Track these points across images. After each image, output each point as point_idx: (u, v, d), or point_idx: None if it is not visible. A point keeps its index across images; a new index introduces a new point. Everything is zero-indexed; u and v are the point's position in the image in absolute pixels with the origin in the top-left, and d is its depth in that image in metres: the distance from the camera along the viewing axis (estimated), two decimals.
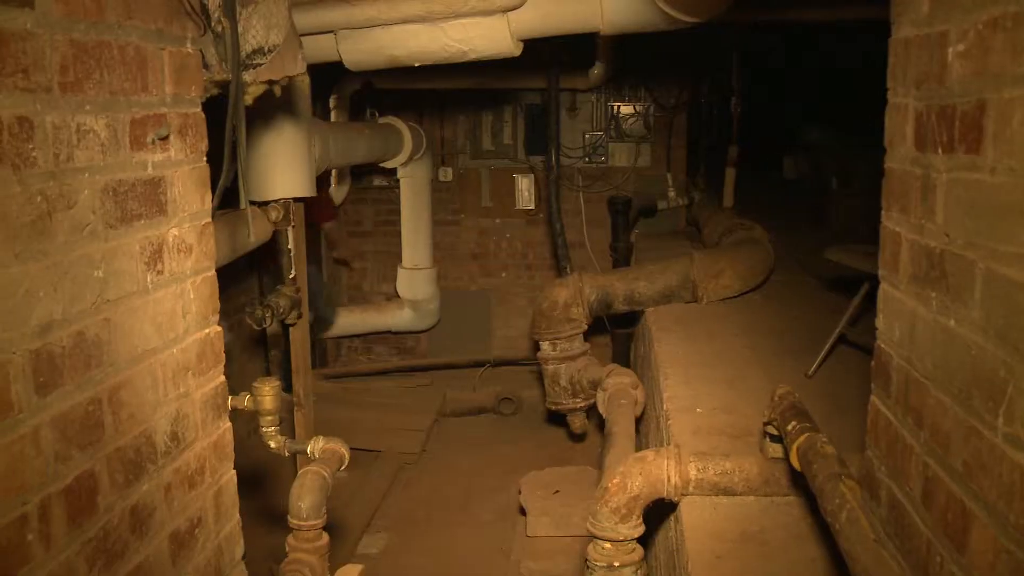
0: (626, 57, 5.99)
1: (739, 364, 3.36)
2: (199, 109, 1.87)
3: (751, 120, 7.10)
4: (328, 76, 5.73)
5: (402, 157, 6.02)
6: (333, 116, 6.24)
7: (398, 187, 6.54)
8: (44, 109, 1.35)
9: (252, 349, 5.62)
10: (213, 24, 1.90)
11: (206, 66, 1.92)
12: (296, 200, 3.80)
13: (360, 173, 6.94)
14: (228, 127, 1.90)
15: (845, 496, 1.63)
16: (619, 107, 6.84)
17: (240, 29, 1.97)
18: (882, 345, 1.70)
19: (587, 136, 6.90)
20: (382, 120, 6.01)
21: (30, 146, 1.32)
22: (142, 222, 1.64)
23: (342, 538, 4.10)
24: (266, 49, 2.10)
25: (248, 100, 2.09)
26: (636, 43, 4.10)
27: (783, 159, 9.20)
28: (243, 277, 5.40)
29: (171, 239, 1.75)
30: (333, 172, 6.29)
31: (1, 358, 1.27)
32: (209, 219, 1.91)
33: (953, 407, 1.35)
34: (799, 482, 2.10)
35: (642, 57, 6.10)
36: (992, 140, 1.23)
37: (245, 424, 2.04)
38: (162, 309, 1.72)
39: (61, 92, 1.39)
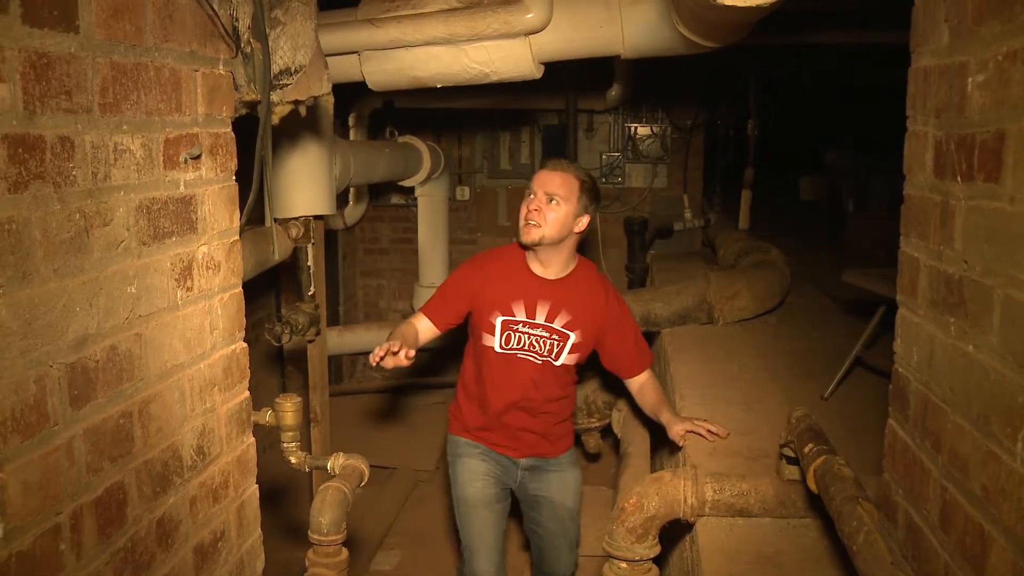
0: (643, 78, 6.03)
1: (755, 385, 3.37)
2: (229, 129, 1.91)
3: (768, 141, 7.12)
4: (348, 94, 5.79)
5: (420, 176, 6.06)
6: (352, 134, 6.29)
7: (415, 205, 6.58)
8: (84, 129, 1.39)
9: (269, 365, 5.67)
10: (243, 45, 1.95)
11: (236, 86, 1.96)
12: (316, 217, 3.84)
13: (378, 191, 6.99)
14: (258, 147, 1.94)
15: (862, 519, 1.64)
16: (636, 128, 6.88)
17: (268, 49, 2.01)
18: (900, 369, 1.72)
19: (604, 157, 6.94)
20: (401, 139, 6.06)
21: (70, 165, 1.36)
22: (173, 239, 1.68)
23: (357, 554, 4.11)
24: (293, 70, 2.13)
25: (275, 120, 2.13)
26: (653, 65, 4.13)
27: (800, 180, 9.23)
28: (261, 293, 5.45)
29: (201, 256, 1.78)
30: (351, 190, 6.34)
31: (39, 371, 1.30)
32: (237, 237, 1.95)
33: (971, 431, 1.37)
34: (816, 504, 2.11)
35: (659, 78, 6.14)
36: (1011, 170, 1.25)
37: (261, 439, 2.07)
38: (191, 325, 1.75)
39: (100, 113, 1.43)
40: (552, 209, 2.76)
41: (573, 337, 2.90)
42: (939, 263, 1.52)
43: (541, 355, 2.92)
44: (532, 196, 2.81)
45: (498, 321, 2.89)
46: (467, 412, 3.08)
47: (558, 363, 2.93)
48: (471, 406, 3.07)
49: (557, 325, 2.89)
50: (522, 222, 2.82)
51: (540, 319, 2.88)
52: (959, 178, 1.43)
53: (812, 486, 1.97)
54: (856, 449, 2.53)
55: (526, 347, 2.91)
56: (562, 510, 3.14)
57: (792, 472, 2.28)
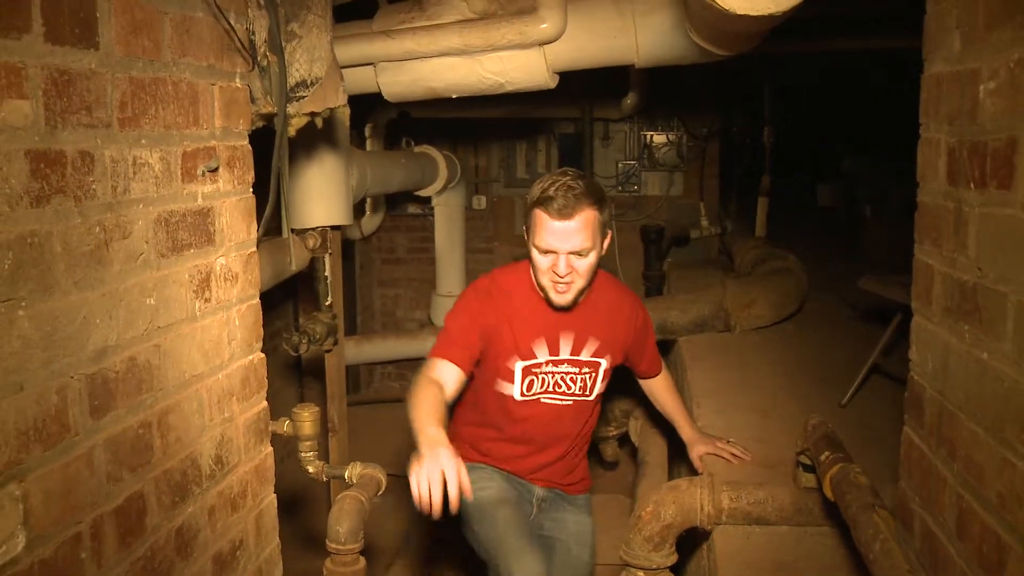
0: (659, 87, 6.03)
1: (772, 393, 3.36)
2: (246, 142, 1.94)
3: (784, 148, 7.10)
4: (364, 105, 5.83)
5: (437, 185, 6.09)
6: (369, 144, 6.33)
7: (432, 215, 6.61)
8: (104, 143, 1.41)
9: (287, 374, 5.69)
10: (259, 59, 1.97)
11: (252, 99, 1.98)
12: (333, 228, 3.87)
13: (395, 201, 7.02)
14: (275, 158, 1.96)
15: (879, 527, 1.64)
16: (652, 136, 6.88)
17: (284, 63, 2.03)
18: (915, 377, 1.71)
19: (620, 165, 6.94)
20: (417, 149, 6.09)
21: (90, 179, 1.38)
22: (192, 251, 1.70)
23: (373, 563, 4.12)
24: (309, 82, 2.16)
25: (291, 132, 2.15)
26: (668, 73, 4.14)
27: (817, 186, 9.19)
28: (279, 303, 5.48)
29: (218, 268, 1.80)
30: (368, 200, 6.37)
31: (60, 382, 1.32)
32: (254, 248, 1.97)
33: (986, 439, 1.36)
34: (832, 512, 2.10)
35: (674, 86, 6.14)
36: (1023, 176, 1.25)
37: (279, 449, 2.10)
38: (209, 336, 1.77)
39: (120, 127, 1.46)
40: (581, 263, 2.34)
41: (604, 363, 2.56)
42: (953, 270, 1.52)
43: (570, 394, 2.56)
44: (552, 256, 2.32)
45: (518, 367, 2.48)
46: (473, 449, 2.63)
47: (592, 396, 2.60)
48: (478, 445, 2.65)
49: (585, 356, 2.53)
50: (546, 283, 2.38)
51: (565, 354, 2.51)
52: (972, 185, 1.43)
53: (828, 494, 1.97)
54: (875, 456, 2.51)
55: (551, 388, 2.53)
56: (578, 563, 2.66)
57: (809, 480, 2.28)
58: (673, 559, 2.33)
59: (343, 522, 2.13)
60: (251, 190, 1.96)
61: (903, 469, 1.78)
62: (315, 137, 3.43)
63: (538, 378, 2.51)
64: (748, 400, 3.27)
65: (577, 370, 2.53)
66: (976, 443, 1.40)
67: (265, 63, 1.98)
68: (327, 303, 3.93)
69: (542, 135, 7.01)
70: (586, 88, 5.72)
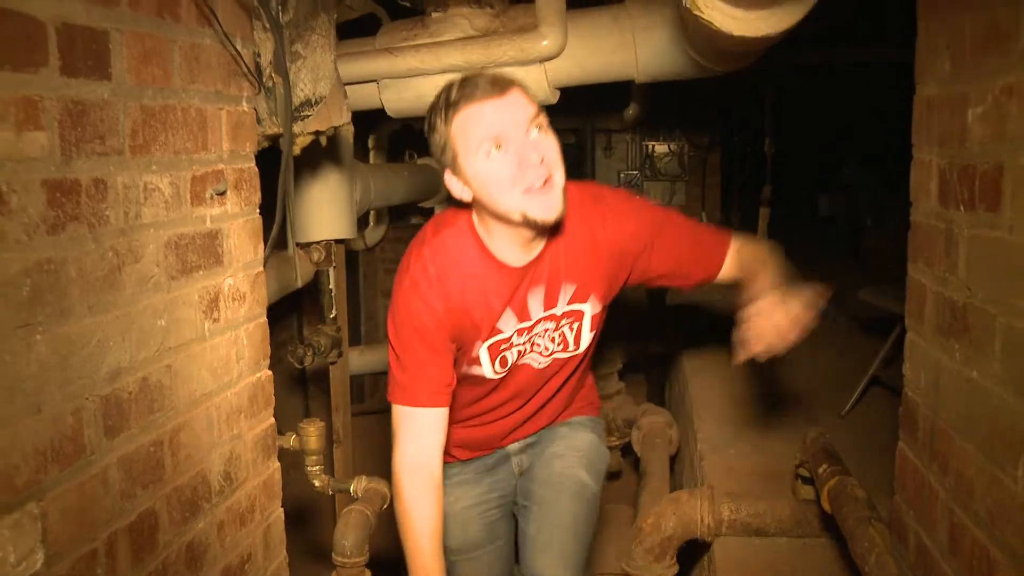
0: (660, 97, 6.07)
1: (773, 405, 3.39)
2: (253, 164, 1.98)
3: (785, 157, 7.12)
4: (367, 118, 5.87)
5: (440, 197, 6.12)
6: (372, 157, 6.37)
7: None
8: (116, 171, 1.46)
9: (292, 386, 5.73)
10: (264, 80, 2.01)
11: (258, 120, 2.02)
12: (337, 241, 3.90)
13: (398, 212, 7.05)
14: (281, 178, 1.99)
15: (874, 539, 1.68)
16: (653, 146, 6.91)
17: (289, 84, 2.07)
18: (909, 393, 1.74)
19: (622, 175, 6.98)
20: (420, 161, 6.12)
21: (103, 206, 1.42)
22: (200, 273, 1.74)
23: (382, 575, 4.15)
24: (313, 101, 2.20)
25: (296, 150, 2.19)
26: (670, 84, 4.17)
27: (818, 196, 9.22)
28: (284, 315, 5.52)
29: (227, 288, 1.84)
30: (372, 212, 6.41)
31: (76, 404, 1.36)
32: (261, 268, 2.01)
33: (976, 456, 1.40)
34: (830, 524, 2.13)
35: (676, 97, 6.16)
36: (1010, 200, 1.28)
37: (284, 460, 2.14)
38: (218, 355, 1.81)
39: (131, 154, 1.50)
40: (548, 144, 1.74)
41: (589, 308, 2.05)
42: (944, 289, 1.55)
43: (549, 355, 2.10)
44: (511, 149, 1.71)
45: (483, 352, 2.02)
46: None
47: (581, 350, 2.11)
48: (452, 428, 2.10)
49: (561, 309, 2.01)
50: (518, 198, 1.72)
51: (537, 314, 2.00)
52: (962, 207, 1.47)
53: (826, 506, 2.00)
54: (873, 468, 2.54)
55: (526, 353, 2.08)
56: (565, 479, 2.25)
57: (807, 492, 2.31)
58: (674, 570, 2.37)
59: (348, 535, 2.17)
60: (258, 211, 2.00)
61: (898, 483, 1.81)
62: (319, 154, 3.47)
63: (511, 351, 2.05)
64: (749, 412, 3.30)
65: (554, 326, 2.05)
66: (966, 459, 1.43)
67: (271, 84, 2.02)
68: (331, 316, 3.97)
69: None
70: (588, 99, 5.75)
